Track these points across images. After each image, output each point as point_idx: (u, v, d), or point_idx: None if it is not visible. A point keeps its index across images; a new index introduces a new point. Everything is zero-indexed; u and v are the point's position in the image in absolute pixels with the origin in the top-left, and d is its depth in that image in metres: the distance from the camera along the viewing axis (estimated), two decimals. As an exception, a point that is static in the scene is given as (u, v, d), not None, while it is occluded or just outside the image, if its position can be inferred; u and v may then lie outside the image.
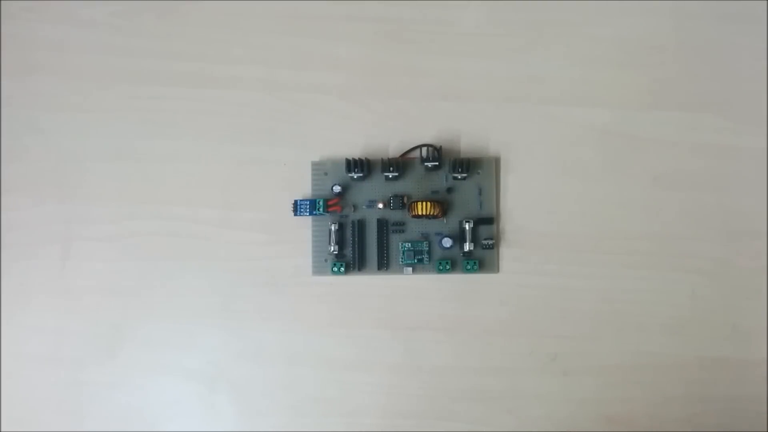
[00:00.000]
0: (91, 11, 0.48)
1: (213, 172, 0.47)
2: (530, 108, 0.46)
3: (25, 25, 0.48)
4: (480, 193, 0.45)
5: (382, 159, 0.45)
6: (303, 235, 0.45)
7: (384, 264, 0.45)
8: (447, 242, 0.44)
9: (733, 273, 0.45)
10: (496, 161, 0.46)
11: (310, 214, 0.45)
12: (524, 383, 0.44)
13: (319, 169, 0.46)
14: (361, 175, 0.44)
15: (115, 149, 0.47)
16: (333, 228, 0.44)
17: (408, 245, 0.45)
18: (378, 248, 0.45)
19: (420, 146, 0.45)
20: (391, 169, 0.44)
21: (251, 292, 0.45)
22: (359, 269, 0.45)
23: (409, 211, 0.44)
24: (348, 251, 0.45)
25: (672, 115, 0.46)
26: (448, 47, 0.47)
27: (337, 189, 0.45)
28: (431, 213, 0.44)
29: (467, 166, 0.44)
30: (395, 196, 0.45)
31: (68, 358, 0.45)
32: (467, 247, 0.44)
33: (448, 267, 0.44)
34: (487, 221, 0.45)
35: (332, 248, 0.44)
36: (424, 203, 0.44)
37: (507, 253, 0.45)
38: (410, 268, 0.45)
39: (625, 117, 0.46)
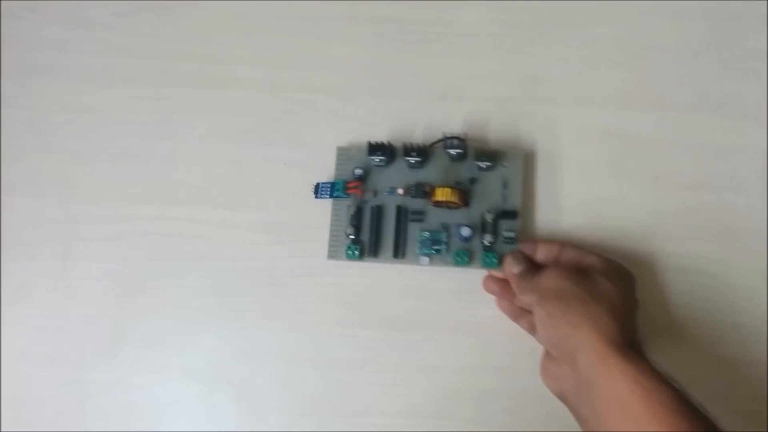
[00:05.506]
0: (91, 11, 0.48)
1: (213, 172, 0.47)
2: (530, 108, 0.46)
3: (26, 25, 0.48)
4: (504, 186, 0.44)
5: (404, 143, 0.44)
6: (304, 234, 0.45)
7: (400, 252, 0.44)
8: (465, 231, 0.43)
9: (733, 273, 0.45)
10: (527, 156, 0.45)
11: (330, 196, 0.44)
12: (524, 383, 0.44)
13: (344, 154, 0.45)
14: (383, 158, 0.43)
15: (115, 149, 0.47)
16: (350, 211, 0.43)
17: (426, 234, 0.43)
18: (395, 235, 0.44)
19: (444, 139, 0.44)
20: (413, 154, 0.43)
21: (252, 291, 0.45)
22: (375, 255, 0.44)
23: (429, 198, 0.43)
24: (365, 236, 0.44)
25: (672, 115, 0.46)
26: (448, 47, 0.47)
27: (358, 171, 0.44)
28: (450, 199, 0.42)
29: (492, 157, 0.43)
30: (417, 184, 0.43)
31: (68, 357, 0.45)
32: (487, 239, 0.43)
33: (466, 259, 0.43)
34: (510, 215, 0.43)
35: (348, 231, 0.43)
36: (443, 189, 0.42)
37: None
38: (427, 258, 0.43)
39: (625, 117, 0.46)
